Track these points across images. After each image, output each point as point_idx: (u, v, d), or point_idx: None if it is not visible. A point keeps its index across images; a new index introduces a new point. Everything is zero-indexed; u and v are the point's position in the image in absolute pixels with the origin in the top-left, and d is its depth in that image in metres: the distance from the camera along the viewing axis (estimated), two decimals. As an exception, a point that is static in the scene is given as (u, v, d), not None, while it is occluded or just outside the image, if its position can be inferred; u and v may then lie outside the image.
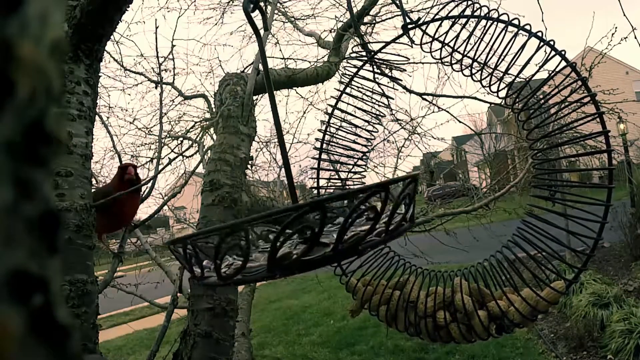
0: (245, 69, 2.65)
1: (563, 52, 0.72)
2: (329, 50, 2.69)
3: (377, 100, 0.95)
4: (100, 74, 0.94)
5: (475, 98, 2.51)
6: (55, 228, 0.14)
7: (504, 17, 0.76)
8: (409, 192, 0.39)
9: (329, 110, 0.93)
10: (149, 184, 1.18)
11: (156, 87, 2.52)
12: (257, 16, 0.57)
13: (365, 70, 0.93)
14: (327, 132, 0.93)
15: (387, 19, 2.95)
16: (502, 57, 0.77)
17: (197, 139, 2.28)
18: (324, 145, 0.93)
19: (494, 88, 0.81)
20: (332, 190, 0.98)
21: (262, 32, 0.58)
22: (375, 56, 0.92)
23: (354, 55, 0.98)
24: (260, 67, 1.48)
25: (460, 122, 3.69)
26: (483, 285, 0.80)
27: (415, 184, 0.40)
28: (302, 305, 6.41)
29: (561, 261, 0.80)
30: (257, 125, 1.46)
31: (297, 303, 6.63)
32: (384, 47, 0.90)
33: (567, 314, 4.18)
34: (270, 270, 0.37)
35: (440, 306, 0.81)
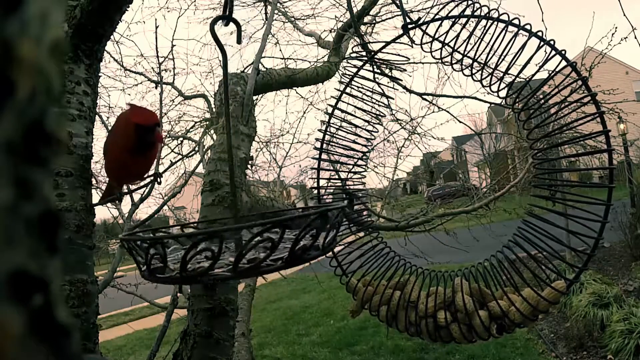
0: (245, 69, 2.65)
1: (563, 52, 0.72)
2: (329, 50, 2.68)
3: (377, 100, 0.95)
4: (100, 74, 0.94)
5: (475, 98, 2.51)
6: (55, 228, 0.14)
7: (504, 17, 0.76)
8: (316, 225, 0.43)
9: (329, 110, 0.93)
10: (149, 185, 1.17)
11: (156, 87, 2.52)
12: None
13: (365, 70, 0.93)
14: (327, 132, 0.93)
15: (387, 19, 2.95)
16: (502, 57, 0.77)
17: (198, 139, 2.28)
18: (324, 145, 0.93)
19: (494, 88, 0.81)
20: (332, 191, 0.98)
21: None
22: (375, 56, 0.92)
23: (354, 55, 0.98)
24: (261, 67, 1.48)
25: (460, 122, 3.70)
26: (484, 285, 0.80)
27: (324, 219, 0.43)
28: (302, 305, 6.41)
29: (562, 261, 0.80)
30: (257, 125, 1.46)
31: (297, 303, 6.63)
32: (384, 47, 0.90)
33: (567, 314, 4.18)
34: (183, 279, 0.45)
35: (441, 306, 0.81)
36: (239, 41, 0.66)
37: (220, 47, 0.57)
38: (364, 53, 0.94)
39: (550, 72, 0.75)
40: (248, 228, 0.46)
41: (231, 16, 0.55)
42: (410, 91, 2.39)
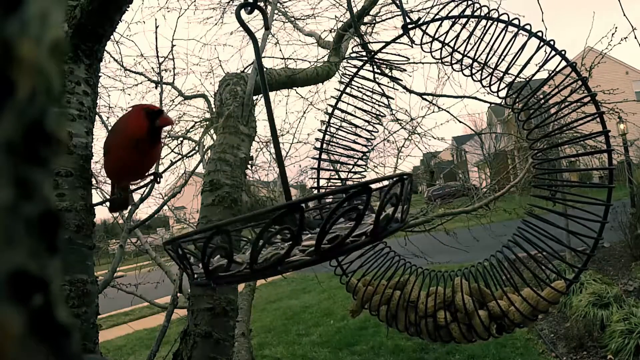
0: (245, 69, 2.65)
1: (563, 52, 0.72)
2: (329, 50, 2.69)
3: (377, 100, 0.95)
4: (100, 74, 0.94)
5: (475, 98, 2.52)
6: (55, 228, 0.14)
7: (504, 17, 0.76)
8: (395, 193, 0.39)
9: (329, 110, 0.93)
10: (148, 185, 1.17)
11: (156, 87, 2.52)
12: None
13: (365, 70, 0.93)
14: (327, 132, 0.93)
15: (387, 19, 2.95)
16: (502, 57, 0.77)
17: (198, 139, 2.28)
18: (324, 145, 0.93)
19: (494, 88, 0.81)
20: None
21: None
22: (375, 56, 0.92)
23: (354, 55, 0.98)
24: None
25: (460, 122, 3.70)
26: (483, 285, 0.80)
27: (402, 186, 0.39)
28: (302, 305, 6.41)
29: (562, 261, 0.80)
30: (257, 125, 1.46)
31: (297, 303, 6.63)
32: (384, 47, 0.90)
33: (567, 314, 4.18)
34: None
35: (441, 306, 0.81)
36: (266, 27, 0.67)
37: (250, 33, 0.56)
38: (364, 53, 0.94)
39: (550, 72, 0.75)
40: (325, 196, 0.41)
41: (256, 3, 0.54)
42: (410, 91, 2.39)
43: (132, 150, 0.87)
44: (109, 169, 0.95)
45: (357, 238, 0.38)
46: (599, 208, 0.71)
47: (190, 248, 0.41)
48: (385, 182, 0.40)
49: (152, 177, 1.02)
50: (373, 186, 0.37)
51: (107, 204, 1.00)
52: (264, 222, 0.36)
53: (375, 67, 0.93)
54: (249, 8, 0.54)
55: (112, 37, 0.93)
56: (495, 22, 0.77)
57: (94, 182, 1.04)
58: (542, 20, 1.59)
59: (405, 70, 0.97)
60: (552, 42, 0.72)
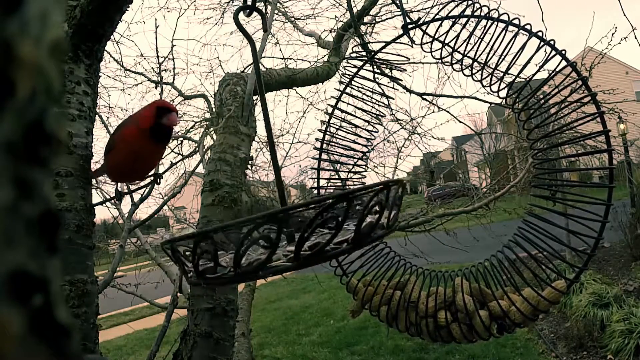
0: (245, 69, 2.65)
1: (563, 52, 0.72)
2: (329, 50, 2.69)
3: (377, 100, 0.95)
4: (100, 74, 0.94)
5: (475, 98, 2.52)
6: (55, 228, 0.14)
7: (504, 17, 0.76)
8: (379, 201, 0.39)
9: (329, 110, 0.93)
10: (149, 186, 1.17)
11: (156, 87, 2.52)
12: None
13: (365, 70, 0.93)
14: (327, 132, 0.93)
15: (387, 19, 2.95)
16: (502, 57, 0.77)
17: (198, 139, 2.29)
18: (324, 145, 0.93)
19: (494, 88, 0.81)
20: (332, 190, 0.98)
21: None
22: (375, 56, 0.92)
23: (354, 55, 0.98)
24: (260, 67, 1.48)
25: (460, 122, 3.70)
26: (484, 285, 0.80)
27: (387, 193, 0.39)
28: (302, 305, 6.41)
29: (562, 261, 0.80)
30: (257, 125, 1.46)
31: (297, 303, 6.63)
32: (384, 47, 0.90)
33: (567, 314, 4.18)
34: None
35: (441, 306, 0.81)
36: (265, 29, 0.67)
37: (247, 36, 0.56)
38: (364, 53, 0.94)
39: (550, 72, 0.75)
40: (309, 206, 0.41)
41: (254, 5, 0.54)
42: (410, 91, 2.39)
43: (136, 142, 0.86)
44: (110, 167, 0.94)
45: (339, 245, 0.38)
46: (600, 208, 0.71)
47: (183, 249, 0.42)
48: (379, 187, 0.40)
49: (152, 178, 1.02)
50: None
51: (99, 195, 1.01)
52: (255, 225, 0.37)
53: (375, 67, 0.93)
54: (248, 11, 0.54)
55: (112, 37, 0.93)
56: (496, 22, 0.77)
57: (94, 182, 1.03)
58: (542, 20, 1.58)
59: (405, 70, 0.97)
60: (552, 42, 0.72)
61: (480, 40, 0.79)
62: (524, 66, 0.78)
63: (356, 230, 0.37)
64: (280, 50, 4.95)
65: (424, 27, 0.83)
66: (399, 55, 0.92)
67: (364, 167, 0.98)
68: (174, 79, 2.48)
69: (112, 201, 1.29)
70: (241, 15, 0.55)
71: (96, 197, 0.96)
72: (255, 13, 0.55)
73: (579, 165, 2.42)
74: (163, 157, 0.96)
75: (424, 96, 2.53)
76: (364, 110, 0.95)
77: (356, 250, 0.41)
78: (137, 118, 0.90)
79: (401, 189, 0.41)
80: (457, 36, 0.81)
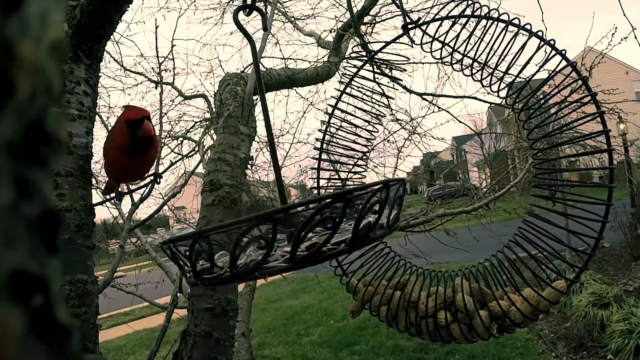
0: (245, 69, 2.65)
1: (563, 52, 0.72)
2: (329, 50, 2.69)
3: (377, 100, 0.95)
4: (100, 74, 0.94)
5: (475, 98, 2.52)
6: (55, 228, 0.14)
7: (504, 17, 0.76)
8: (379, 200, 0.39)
9: (329, 110, 0.93)
10: (148, 186, 1.17)
11: (156, 87, 2.52)
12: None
13: (365, 70, 0.93)
14: (327, 132, 0.93)
15: (387, 19, 2.95)
16: (502, 57, 0.77)
17: (198, 139, 2.28)
18: (324, 145, 0.93)
19: (494, 88, 0.81)
20: (332, 190, 0.98)
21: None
22: (375, 56, 0.91)
23: (354, 55, 0.98)
24: (260, 67, 1.48)
25: (460, 122, 3.69)
26: (484, 285, 0.80)
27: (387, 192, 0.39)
28: (302, 305, 6.41)
29: (562, 261, 0.79)
30: (257, 125, 1.46)
31: (297, 303, 6.63)
32: (384, 47, 0.90)
33: (567, 314, 4.18)
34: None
35: (441, 306, 0.81)
36: (265, 28, 0.67)
37: (247, 35, 0.56)
38: (364, 53, 0.94)
39: (550, 72, 0.74)
40: (305, 205, 0.41)
41: (254, 5, 0.54)
42: (410, 91, 2.39)
43: (123, 158, 0.88)
44: (107, 172, 0.98)
45: (336, 246, 0.38)
46: (600, 208, 0.71)
47: (182, 249, 0.42)
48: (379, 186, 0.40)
49: (152, 177, 1.02)
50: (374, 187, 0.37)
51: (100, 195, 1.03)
52: (250, 225, 0.37)
53: (375, 67, 0.93)
54: (247, 10, 0.54)
55: (112, 37, 0.93)
56: (496, 22, 0.77)
57: (94, 182, 1.04)
58: (542, 20, 1.59)
59: (405, 70, 0.97)
60: (552, 42, 0.72)
61: (480, 40, 0.79)
62: (524, 66, 0.78)
63: (353, 230, 0.37)
64: (280, 50, 4.96)
65: (424, 27, 0.83)
66: (399, 55, 0.92)
67: (364, 167, 0.98)
68: (174, 79, 2.48)
69: (112, 201, 1.28)
70: (241, 15, 0.55)
71: (96, 197, 0.97)
72: (255, 12, 0.55)
73: (579, 165, 2.42)
74: (159, 153, 0.97)
75: (424, 96, 2.53)
76: (364, 110, 0.95)
77: (354, 251, 0.40)
78: (114, 136, 0.90)
79: (402, 189, 0.41)
80: (457, 36, 0.81)
